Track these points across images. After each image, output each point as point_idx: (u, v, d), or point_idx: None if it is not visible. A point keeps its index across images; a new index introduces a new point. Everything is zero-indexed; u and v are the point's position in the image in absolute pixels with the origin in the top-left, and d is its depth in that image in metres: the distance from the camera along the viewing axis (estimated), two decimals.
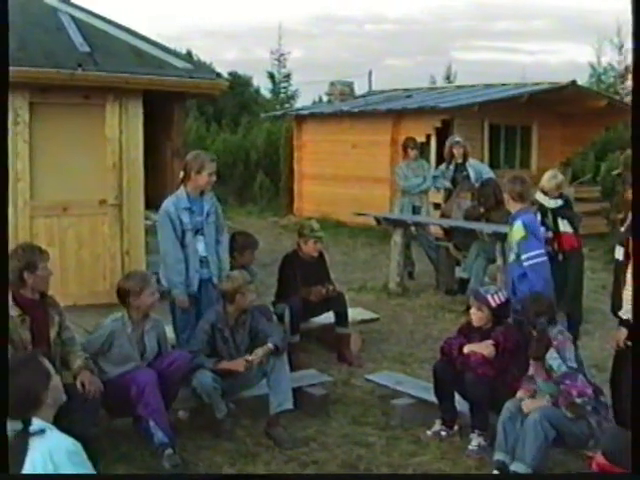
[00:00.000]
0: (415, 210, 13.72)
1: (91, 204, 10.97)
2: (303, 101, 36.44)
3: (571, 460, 6.42)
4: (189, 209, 7.67)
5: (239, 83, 35.76)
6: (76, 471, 3.49)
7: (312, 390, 7.85)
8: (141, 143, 11.16)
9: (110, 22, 12.26)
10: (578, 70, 52.82)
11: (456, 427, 7.12)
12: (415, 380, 8.14)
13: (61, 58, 10.58)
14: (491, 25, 65.00)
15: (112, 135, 10.96)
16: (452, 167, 13.26)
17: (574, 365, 6.18)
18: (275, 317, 8.89)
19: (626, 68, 33.30)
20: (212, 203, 7.86)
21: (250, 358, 7.08)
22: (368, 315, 10.42)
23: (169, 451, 6.41)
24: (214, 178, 7.78)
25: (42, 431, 3.53)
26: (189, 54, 33.90)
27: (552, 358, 6.24)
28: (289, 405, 7.11)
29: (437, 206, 14.98)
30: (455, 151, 13.20)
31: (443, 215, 13.50)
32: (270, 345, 7.12)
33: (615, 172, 15.22)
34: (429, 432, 7.11)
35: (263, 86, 39.19)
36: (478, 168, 13.26)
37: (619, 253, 6.54)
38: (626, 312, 6.26)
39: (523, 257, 7.26)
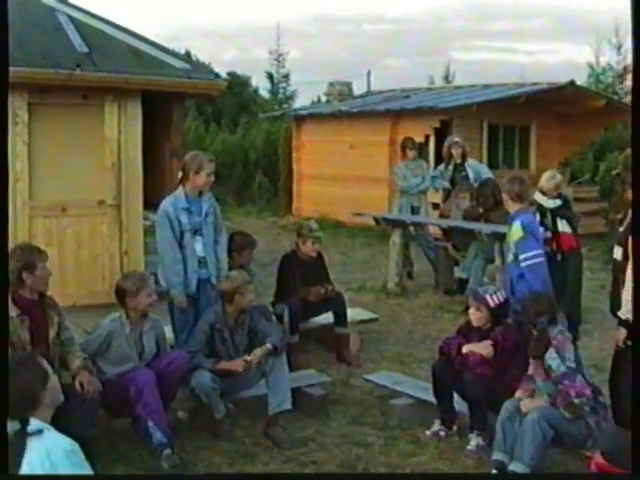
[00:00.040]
0: (414, 210, 13.71)
1: (90, 204, 10.96)
2: (302, 101, 36.50)
3: (569, 460, 6.42)
4: (187, 209, 7.67)
5: (238, 83, 35.75)
6: (74, 471, 3.49)
7: (311, 390, 7.85)
8: (140, 143, 11.15)
9: (108, 22, 12.25)
10: (577, 70, 52.96)
11: (455, 427, 7.13)
12: (414, 380, 8.14)
13: (59, 58, 10.57)
14: (490, 25, 65.07)
15: (111, 135, 10.95)
16: (451, 167, 13.26)
17: (573, 365, 6.19)
18: (274, 317, 8.89)
19: (625, 68, 33.34)
20: (210, 203, 7.86)
21: (249, 358, 7.08)
22: (367, 315, 10.44)
23: (168, 451, 6.42)
24: (212, 178, 7.78)
25: (40, 431, 3.53)
26: (188, 54, 33.88)
27: (551, 358, 6.24)
28: (288, 405, 7.12)
29: (436, 206, 14.98)
30: (454, 151, 13.19)
31: (442, 215, 13.50)
32: (269, 345, 7.12)
33: (614, 172, 15.20)
34: (428, 432, 7.12)
35: (262, 86, 39.26)
36: (477, 168, 13.26)
37: (618, 253, 6.55)
38: (625, 312, 6.26)
39: (521, 257, 7.27)
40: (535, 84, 20.52)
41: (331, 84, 23.68)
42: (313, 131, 21.76)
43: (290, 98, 38.19)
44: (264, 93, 39.19)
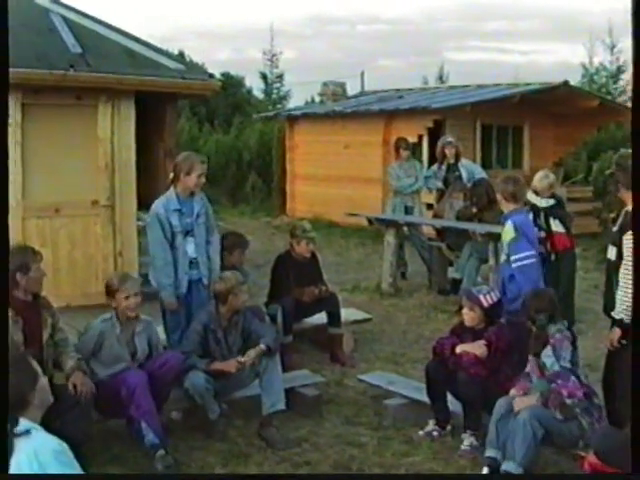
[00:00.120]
0: (407, 210, 13.73)
1: (83, 205, 10.95)
2: (295, 101, 36.48)
3: (564, 460, 6.43)
4: (179, 211, 7.65)
5: (231, 84, 35.76)
6: (63, 471, 3.48)
7: (305, 391, 7.85)
8: (133, 144, 11.15)
9: (102, 23, 12.24)
10: (570, 70, 52.88)
11: (449, 427, 7.13)
12: (407, 380, 8.14)
13: (53, 59, 10.57)
14: (483, 25, 65.04)
15: (104, 136, 10.95)
16: (444, 167, 13.26)
17: (567, 365, 6.19)
18: (268, 317, 8.89)
19: (618, 68, 33.40)
20: (202, 204, 7.84)
21: (242, 359, 7.08)
22: (361, 315, 10.43)
23: (161, 452, 6.41)
24: (203, 180, 7.75)
25: (28, 432, 3.52)
26: (181, 55, 33.94)
27: (546, 356, 6.25)
28: (281, 406, 7.11)
29: (430, 206, 15.01)
30: (447, 151, 13.20)
31: (436, 215, 13.51)
32: (262, 346, 7.11)
33: (607, 172, 15.22)
34: (421, 432, 7.12)
35: (256, 87, 39.23)
36: (470, 168, 13.27)
37: (611, 253, 6.55)
38: (619, 312, 6.27)
39: (512, 258, 7.27)
40: (529, 84, 20.56)
41: (325, 84, 23.69)
42: (307, 131, 21.76)
43: (284, 98, 38.17)
44: (258, 93, 39.22)
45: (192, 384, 6.95)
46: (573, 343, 6.38)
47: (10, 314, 6.15)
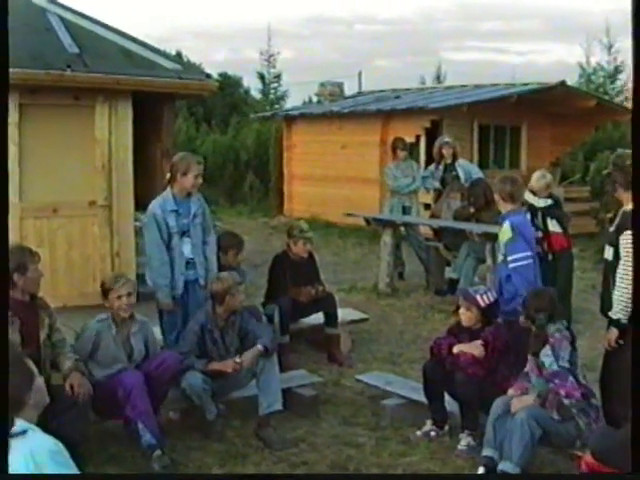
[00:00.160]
0: (405, 210, 13.73)
1: (81, 205, 10.95)
2: (293, 102, 36.44)
3: (560, 460, 6.43)
4: (175, 211, 7.66)
5: (229, 84, 35.73)
6: (59, 471, 3.48)
7: (302, 391, 7.85)
8: (130, 144, 11.15)
9: (99, 23, 12.24)
10: (567, 70, 53.06)
11: (446, 427, 7.13)
12: (405, 380, 8.14)
13: (50, 59, 10.56)
14: (481, 25, 65.19)
15: (101, 136, 10.95)
16: (441, 167, 13.27)
17: (566, 365, 6.18)
18: (265, 318, 8.88)
19: (615, 68, 33.38)
20: (199, 204, 7.84)
21: (239, 360, 7.08)
22: (358, 315, 10.42)
23: (158, 452, 6.41)
24: (200, 180, 7.76)
25: (24, 432, 3.52)
26: (179, 55, 33.88)
27: (545, 355, 6.25)
28: (279, 406, 7.11)
29: (427, 206, 15.01)
30: (444, 151, 13.21)
31: (433, 215, 13.51)
32: (260, 347, 7.11)
33: (604, 172, 15.24)
34: (419, 432, 7.12)
35: (253, 87, 39.18)
36: (467, 168, 13.27)
37: (608, 253, 6.55)
38: (616, 312, 6.27)
39: (508, 259, 7.28)
40: (526, 84, 20.55)
41: (322, 84, 23.70)
42: (304, 131, 21.75)
43: (281, 98, 38.12)
44: (255, 93, 39.15)
45: (189, 384, 6.95)
46: (572, 343, 6.38)
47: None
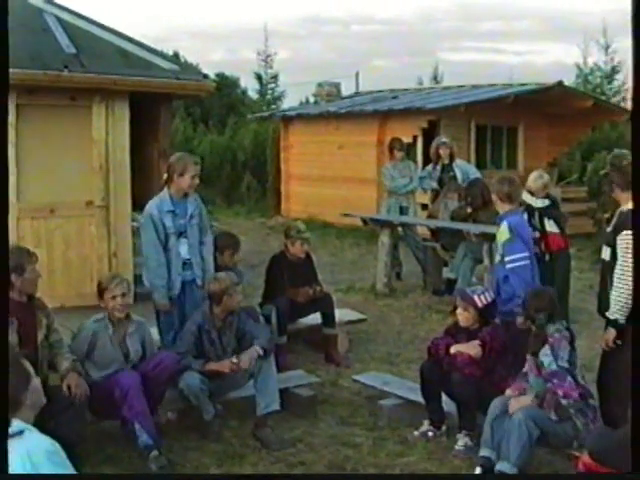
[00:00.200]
0: (402, 211, 13.72)
1: (78, 206, 10.96)
2: (290, 102, 36.44)
3: (558, 460, 6.43)
4: (172, 212, 7.65)
5: (226, 84, 35.71)
6: (56, 471, 3.48)
7: (299, 391, 7.85)
8: (127, 144, 11.15)
9: (96, 23, 12.24)
10: (565, 71, 53.09)
11: (443, 427, 7.13)
12: (402, 380, 8.14)
13: (47, 59, 10.56)
14: (478, 26, 65.08)
15: (98, 136, 10.95)
16: (439, 168, 13.27)
17: (565, 365, 6.18)
18: (262, 318, 8.88)
19: (612, 68, 33.41)
20: (196, 205, 7.83)
21: (235, 360, 7.07)
22: (355, 316, 10.42)
23: (155, 453, 6.40)
24: (197, 181, 7.75)
25: (20, 432, 3.52)
26: (176, 55, 33.88)
27: (544, 354, 6.25)
28: (276, 406, 7.11)
29: (425, 207, 15.01)
30: (441, 152, 13.21)
31: (430, 216, 13.51)
32: (257, 348, 7.10)
33: (601, 172, 15.28)
34: (416, 432, 7.12)
35: (250, 87, 39.15)
36: (465, 168, 13.28)
37: (606, 253, 6.55)
38: (613, 312, 6.28)
39: (506, 259, 7.27)
40: (523, 85, 20.58)
41: (319, 85, 23.71)
42: (301, 132, 21.76)
43: (278, 99, 38.12)
44: (252, 94, 39.13)
45: (187, 385, 6.95)
46: (572, 343, 6.38)
47: None
